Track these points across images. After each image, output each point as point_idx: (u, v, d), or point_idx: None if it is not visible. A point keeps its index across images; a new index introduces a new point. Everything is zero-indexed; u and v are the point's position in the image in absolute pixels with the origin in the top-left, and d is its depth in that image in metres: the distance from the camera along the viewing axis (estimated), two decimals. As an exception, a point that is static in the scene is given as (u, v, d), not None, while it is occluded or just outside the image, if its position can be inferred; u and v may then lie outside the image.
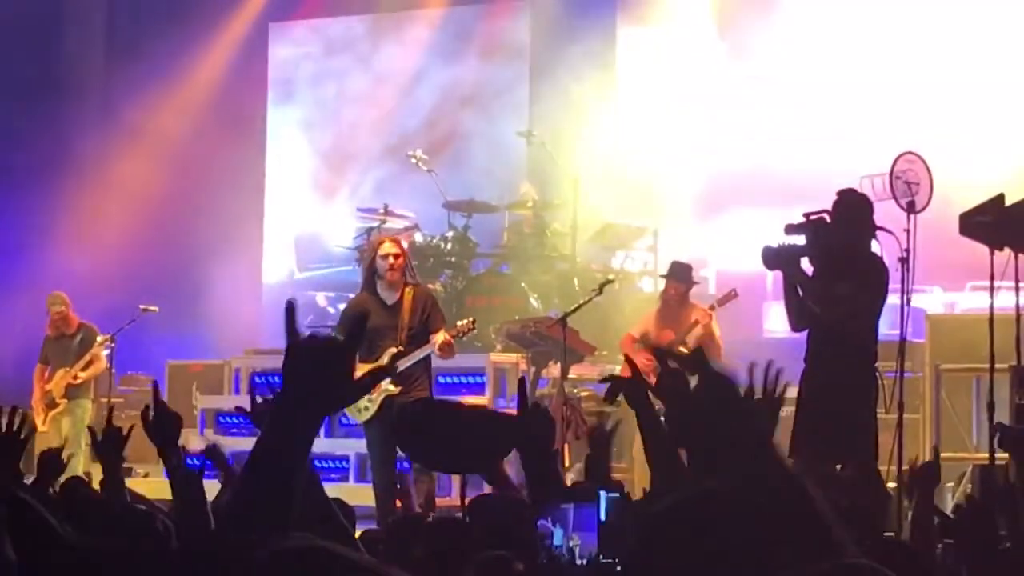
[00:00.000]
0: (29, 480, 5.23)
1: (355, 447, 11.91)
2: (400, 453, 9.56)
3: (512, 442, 6.63)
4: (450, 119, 17.12)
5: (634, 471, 10.76)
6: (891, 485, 8.58)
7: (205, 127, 17.61)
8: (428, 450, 8.33)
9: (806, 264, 8.43)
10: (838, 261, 8.28)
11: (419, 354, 9.82)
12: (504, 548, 3.89)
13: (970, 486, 10.20)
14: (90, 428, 4.83)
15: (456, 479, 9.43)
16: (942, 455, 11.25)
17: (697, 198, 15.36)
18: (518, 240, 14.25)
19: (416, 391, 9.80)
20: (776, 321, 13.70)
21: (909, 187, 9.40)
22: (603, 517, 5.23)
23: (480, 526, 4.35)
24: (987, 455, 9.24)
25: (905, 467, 7.21)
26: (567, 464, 10.06)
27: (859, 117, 14.73)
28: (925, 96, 14.51)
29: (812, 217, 8.31)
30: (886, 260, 8.50)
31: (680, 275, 11.74)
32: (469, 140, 16.83)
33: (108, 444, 4.71)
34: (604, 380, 5.69)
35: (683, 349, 11.35)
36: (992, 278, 8.79)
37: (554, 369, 11.73)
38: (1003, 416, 9.33)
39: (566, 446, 10.59)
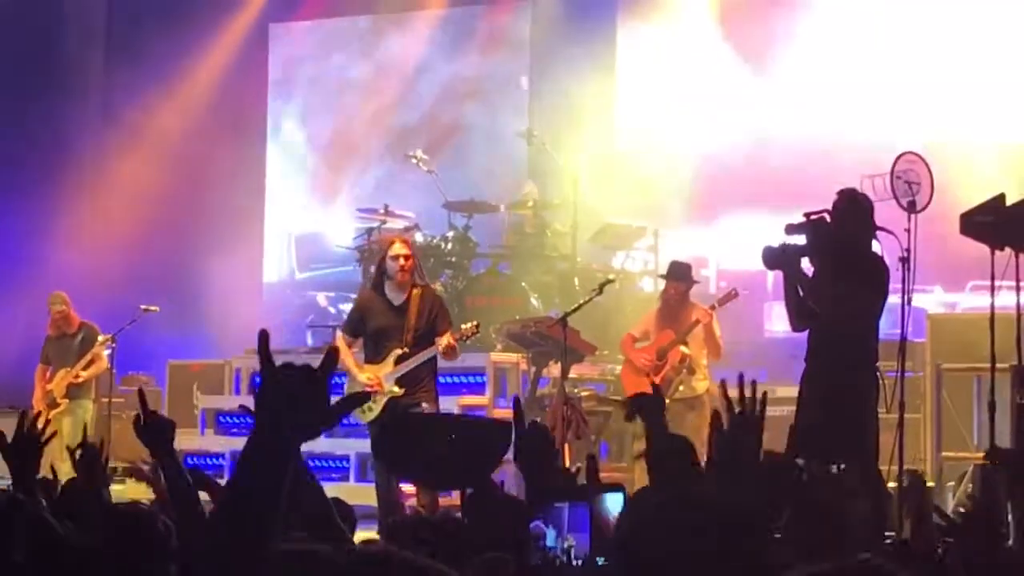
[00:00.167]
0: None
1: (355, 447, 11.91)
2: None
3: (503, 450, 6.63)
4: (450, 119, 17.13)
5: (634, 471, 10.75)
6: (891, 485, 8.58)
7: (205, 127, 17.62)
8: (412, 467, 8.34)
9: (806, 264, 8.43)
10: (838, 261, 8.28)
11: (423, 356, 9.79)
12: (497, 548, 3.89)
13: (970, 486, 10.19)
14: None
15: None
16: (944, 454, 11.35)
17: (698, 198, 15.35)
18: (518, 240, 14.25)
19: (421, 393, 9.79)
20: (777, 321, 13.71)
21: (910, 187, 9.39)
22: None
23: (474, 525, 4.35)
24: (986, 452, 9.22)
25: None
26: (568, 464, 10.04)
27: (860, 117, 14.73)
28: (926, 95, 14.52)
29: (812, 217, 8.31)
30: (887, 260, 8.51)
31: (679, 274, 11.72)
32: (469, 140, 16.83)
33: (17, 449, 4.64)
34: (623, 403, 5.71)
35: (684, 348, 11.40)
36: (993, 278, 8.80)
37: (555, 369, 11.72)
38: (1004, 415, 9.33)
39: (567, 446, 10.58)
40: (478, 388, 12.46)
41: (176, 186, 17.43)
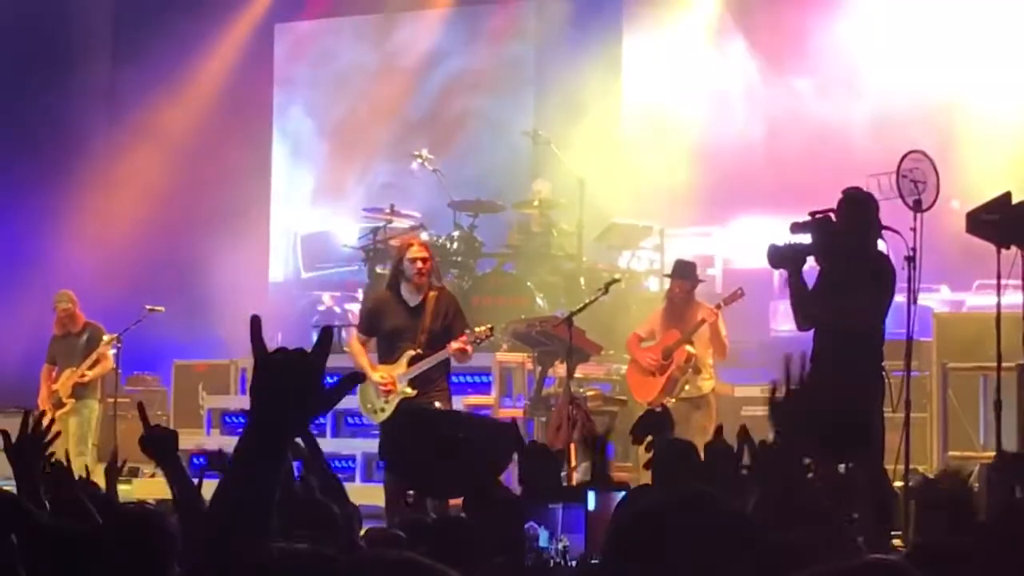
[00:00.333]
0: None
1: (361, 447, 11.91)
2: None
3: (508, 457, 6.63)
4: (456, 118, 17.13)
5: (639, 471, 10.74)
6: (898, 484, 8.57)
7: (211, 127, 17.63)
8: (416, 476, 8.34)
9: (812, 263, 8.42)
10: (844, 260, 8.27)
11: (436, 358, 9.79)
12: (494, 548, 3.89)
13: (977, 485, 10.17)
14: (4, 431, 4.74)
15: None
16: (950, 454, 11.33)
17: (703, 197, 15.34)
18: (524, 239, 14.24)
19: (434, 394, 9.79)
20: (783, 320, 13.69)
21: (916, 186, 9.38)
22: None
23: (473, 524, 4.35)
24: (994, 454, 9.21)
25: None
26: (573, 464, 10.04)
27: (864, 115, 14.72)
28: (930, 94, 14.50)
29: (818, 216, 8.30)
30: (892, 259, 8.49)
31: (684, 273, 11.71)
32: (475, 139, 16.83)
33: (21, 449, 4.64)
34: (635, 429, 5.69)
35: (689, 348, 11.38)
36: (999, 276, 8.78)
37: (560, 369, 11.71)
38: (1010, 415, 9.32)
39: (572, 445, 10.57)
40: (484, 388, 12.46)
41: (181, 185, 17.44)
